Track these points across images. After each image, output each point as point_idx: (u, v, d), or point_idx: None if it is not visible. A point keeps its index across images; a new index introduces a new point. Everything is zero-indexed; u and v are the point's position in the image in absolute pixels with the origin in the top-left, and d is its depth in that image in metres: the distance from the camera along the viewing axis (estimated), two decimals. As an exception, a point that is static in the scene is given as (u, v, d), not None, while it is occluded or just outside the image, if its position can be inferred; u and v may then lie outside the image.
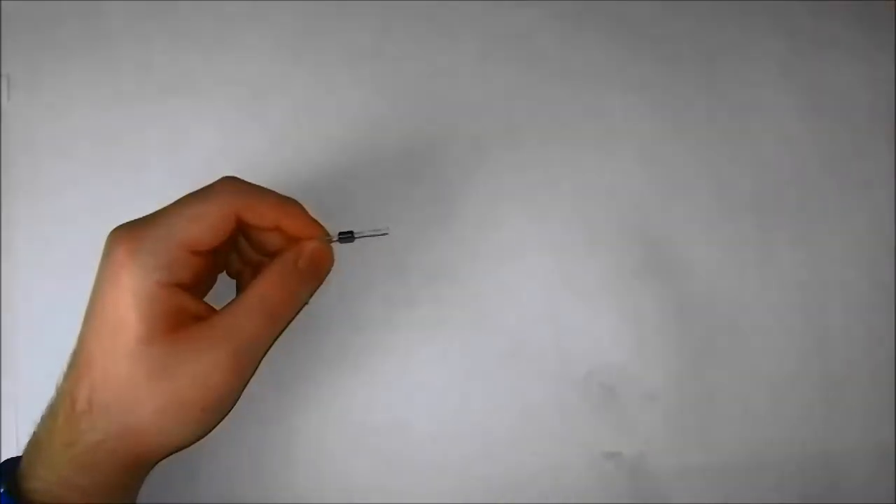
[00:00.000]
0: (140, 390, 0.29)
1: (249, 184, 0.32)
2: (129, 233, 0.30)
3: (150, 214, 0.32)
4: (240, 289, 0.36)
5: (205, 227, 0.30)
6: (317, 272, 0.34)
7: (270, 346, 0.33)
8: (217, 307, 0.33)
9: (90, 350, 0.30)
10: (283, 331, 0.33)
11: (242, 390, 0.32)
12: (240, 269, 0.36)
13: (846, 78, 0.40)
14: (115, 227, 0.31)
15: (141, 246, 0.30)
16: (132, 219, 0.32)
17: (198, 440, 0.32)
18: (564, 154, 0.39)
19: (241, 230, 0.33)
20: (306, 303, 0.34)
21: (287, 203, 0.33)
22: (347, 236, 0.34)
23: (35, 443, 0.31)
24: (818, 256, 0.38)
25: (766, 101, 0.40)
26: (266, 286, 0.32)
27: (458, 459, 0.37)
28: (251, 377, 0.32)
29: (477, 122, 0.39)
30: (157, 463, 0.33)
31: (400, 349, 0.37)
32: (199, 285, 0.33)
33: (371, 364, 0.37)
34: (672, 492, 0.36)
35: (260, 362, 0.33)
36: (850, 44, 0.40)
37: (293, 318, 0.34)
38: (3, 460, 0.32)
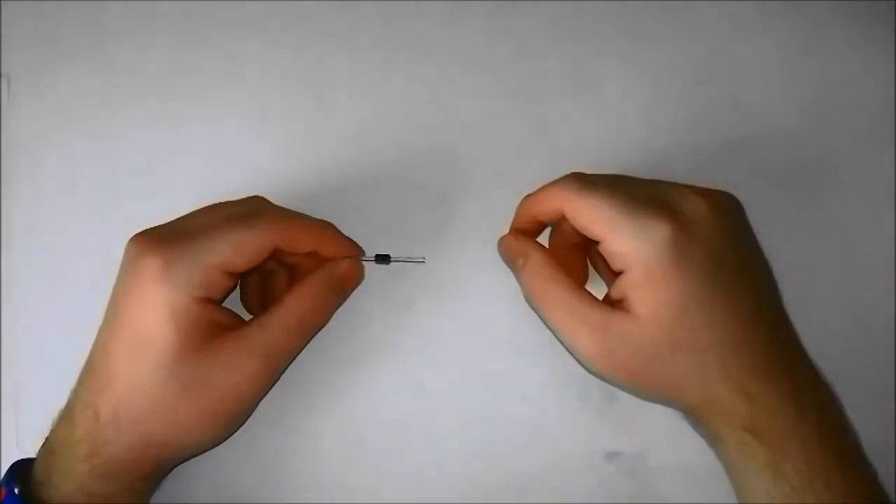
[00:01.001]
0: (170, 403, 0.30)
1: (287, 212, 0.33)
2: (161, 245, 0.30)
3: (179, 224, 0.32)
4: (244, 288, 0.36)
5: (245, 256, 0.31)
6: (345, 291, 0.35)
7: (295, 358, 0.34)
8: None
9: (115, 361, 0.30)
10: (308, 343, 0.34)
11: (259, 402, 0.33)
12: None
13: (846, 78, 0.40)
14: (136, 233, 0.31)
15: (177, 261, 0.30)
16: (151, 226, 0.32)
17: (217, 446, 0.33)
18: (564, 159, 0.39)
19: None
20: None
21: (323, 229, 0.34)
22: (383, 259, 0.36)
23: (50, 451, 0.31)
24: (818, 256, 0.38)
25: (766, 100, 0.40)
26: (299, 302, 0.33)
27: (457, 460, 0.37)
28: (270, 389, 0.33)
29: (478, 126, 0.39)
30: (173, 468, 0.33)
31: (400, 349, 0.37)
32: (226, 298, 0.33)
33: (371, 364, 0.37)
34: (672, 492, 0.36)
35: (280, 376, 0.33)
36: (850, 44, 0.40)
37: (319, 331, 0.35)
38: (13, 462, 0.32)
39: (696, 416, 0.31)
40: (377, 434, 0.37)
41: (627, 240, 0.30)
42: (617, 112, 0.39)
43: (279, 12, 0.40)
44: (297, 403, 0.37)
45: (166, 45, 0.40)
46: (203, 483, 0.36)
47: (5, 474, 0.31)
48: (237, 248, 0.31)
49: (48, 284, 0.38)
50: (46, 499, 0.30)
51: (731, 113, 0.39)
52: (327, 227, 0.34)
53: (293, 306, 0.32)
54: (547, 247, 0.35)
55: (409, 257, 0.36)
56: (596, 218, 0.30)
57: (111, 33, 0.40)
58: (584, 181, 0.32)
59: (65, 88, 0.39)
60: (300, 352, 0.34)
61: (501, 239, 0.36)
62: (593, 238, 0.31)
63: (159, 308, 0.29)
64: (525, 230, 0.35)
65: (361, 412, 0.37)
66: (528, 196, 0.34)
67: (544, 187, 0.33)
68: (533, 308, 0.34)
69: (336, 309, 0.35)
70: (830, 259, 0.38)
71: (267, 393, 0.33)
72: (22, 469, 0.31)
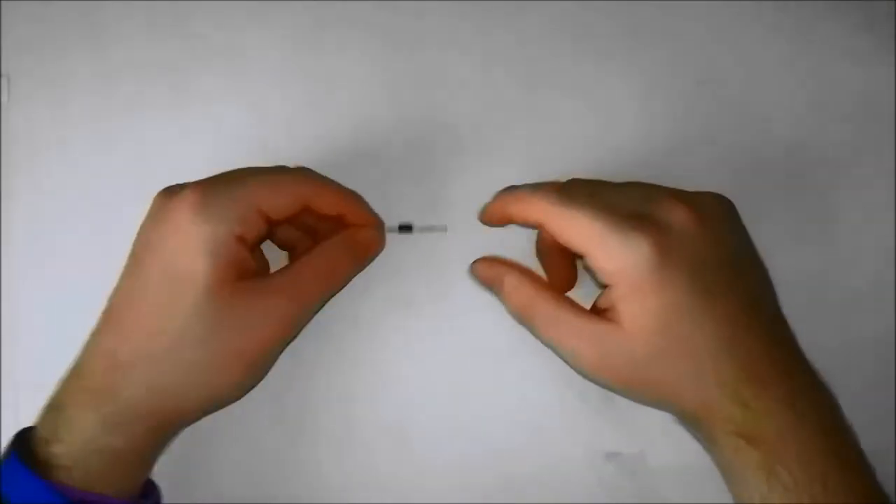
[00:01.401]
0: (195, 343, 0.29)
1: (320, 174, 0.34)
2: (197, 183, 0.30)
3: (215, 176, 0.32)
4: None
5: (280, 197, 0.31)
6: (367, 256, 0.35)
7: (310, 319, 0.34)
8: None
9: (141, 299, 0.30)
10: (322, 306, 0.34)
11: (279, 355, 0.33)
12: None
13: (846, 78, 0.40)
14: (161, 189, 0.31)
15: (216, 195, 0.30)
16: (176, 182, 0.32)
17: (231, 402, 0.32)
18: (566, 152, 0.39)
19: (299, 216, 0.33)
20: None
21: (352, 195, 0.34)
22: (406, 228, 0.36)
23: (55, 406, 0.30)
24: (818, 256, 0.38)
25: (766, 100, 0.40)
26: (324, 257, 0.33)
27: (458, 459, 0.37)
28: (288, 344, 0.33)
29: (478, 122, 0.39)
30: (185, 426, 0.33)
31: (400, 349, 0.37)
32: (257, 246, 0.33)
33: (371, 364, 0.37)
34: (672, 492, 0.36)
35: (300, 331, 0.33)
36: (850, 44, 0.40)
37: (333, 296, 0.35)
38: (19, 430, 0.31)
39: (691, 421, 0.32)
40: (377, 434, 0.37)
41: (611, 255, 0.30)
42: (617, 112, 0.39)
43: (280, 11, 0.40)
44: (297, 403, 0.37)
45: (166, 44, 0.40)
46: (203, 483, 0.36)
47: (10, 441, 0.30)
48: (273, 189, 0.31)
49: (48, 284, 0.38)
50: (50, 455, 0.29)
51: (731, 113, 0.39)
52: (357, 195, 0.35)
53: (317, 260, 0.33)
54: (520, 264, 0.35)
55: (432, 226, 0.36)
56: (577, 233, 0.31)
57: (111, 33, 0.40)
58: (563, 194, 0.31)
59: (65, 88, 0.39)
60: (318, 310, 0.34)
61: (472, 266, 0.35)
62: (576, 253, 0.31)
63: (197, 241, 0.29)
64: (494, 223, 0.35)
65: (361, 412, 0.37)
66: (506, 196, 0.34)
67: (522, 194, 0.33)
68: (522, 325, 0.34)
69: (354, 275, 0.35)
70: (830, 259, 0.38)
71: (284, 349, 0.33)
72: (25, 434, 0.30)
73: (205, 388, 0.30)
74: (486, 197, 0.38)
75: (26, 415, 0.37)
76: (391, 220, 0.37)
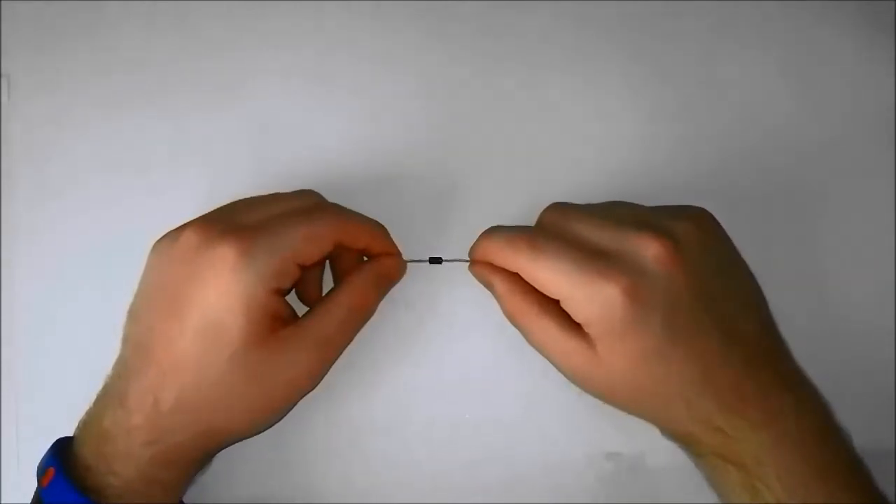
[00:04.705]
0: (235, 392, 0.30)
1: (344, 208, 0.34)
2: (233, 235, 0.30)
3: (239, 214, 0.32)
4: (301, 281, 0.36)
5: (315, 248, 0.32)
6: (390, 286, 0.36)
7: (342, 352, 0.34)
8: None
9: (180, 349, 0.30)
10: (351, 340, 0.35)
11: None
12: None
13: (846, 78, 0.40)
14: (192, 221, 0.31)
15: (254, 252, 0.30)
16: (204, 213, 0.32)
17: (261, 433, 0.34)
18: (565, 153, 0.39)
19: None
20: None
21: (377, 228, 0.35)
22: (436, 260, 0.37)
23: (101, 436, 0.30)
24: (818, 256, 0.38)
25: (766, 101, 0.40)
26: (351, 296, 0.34)
27: (457, 460, 0.37)
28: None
29: (479, 127, 0.39)
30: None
31: (400, 349, 0.37)
32: (291, 290, 0.34)
33: (371, 364, 0.37)
34: (671, 491, 0.36)
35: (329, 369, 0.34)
36: (850, 44, 0.40)
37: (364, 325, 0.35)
38: (55, 441, 0.32)
39: (673, 439, 0.33)
40: (377, 434, 0.37)
41: (583, 305, 0.30)
42: (617, 112, 0.39)
43: (280, 11, 0.40)
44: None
45: (166, 44, 0.40)
46: (201, 483, 0.36)
47: (48, 455, 0.31)
48: (309, 240, 0.31)
49: (48, 285, 0.38)
50: (101, 484, 0.30)
51: (732, 113, 0.39)
52: (380, 226, 0.35)
53: (344, 300, 0.33)
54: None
55: (458, 258, 0.36)
56: (550, 283, 0.31)
57: (111, 33, 0.40)
58: (533, 243, 0.32)
59: (65, 88, 0.39)
60: (348, 345, 0.34)
61: (470, 267, 0.35)
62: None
63: (234, 297, 0.30)
64: (481, 279, 0.35)
65: (361, 412, 0.37)
66: (483, 250, 0.34)
67: (497, 248, 0.33)
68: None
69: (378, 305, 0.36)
70: (830, 259, 0.38)
71: (316, 385, 0.34)
72: (62, 451, 0.31)
73: (239, 428, 0.32)
74: (488, 199, 0.38)
75: (25, 416, 0.37)
76: (396, 224, 0.37)
